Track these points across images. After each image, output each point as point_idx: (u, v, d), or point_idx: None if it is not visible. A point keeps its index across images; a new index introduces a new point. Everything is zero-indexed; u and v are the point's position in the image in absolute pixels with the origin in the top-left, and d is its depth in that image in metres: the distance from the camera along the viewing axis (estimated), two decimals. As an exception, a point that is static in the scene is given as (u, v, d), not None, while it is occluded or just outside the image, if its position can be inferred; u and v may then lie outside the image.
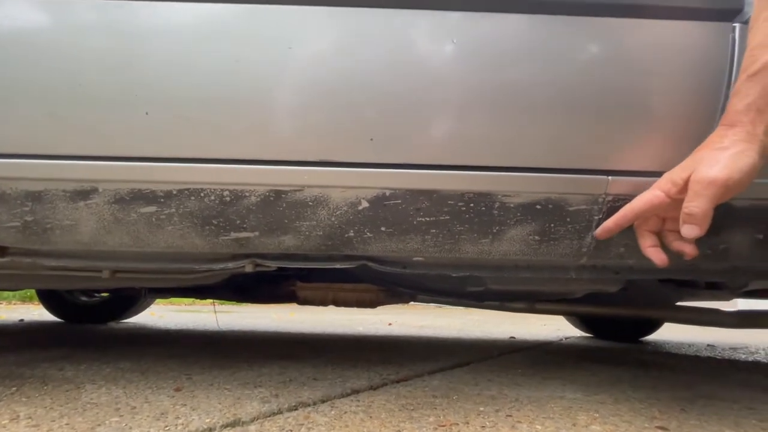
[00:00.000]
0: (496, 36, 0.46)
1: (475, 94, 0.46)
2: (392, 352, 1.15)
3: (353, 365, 0.93)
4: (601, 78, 0.47)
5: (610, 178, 0.48)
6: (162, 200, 0.48)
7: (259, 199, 0.48)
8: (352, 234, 0.50)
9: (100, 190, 0.48)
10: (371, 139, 0.47)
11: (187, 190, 0.48)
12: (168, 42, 0.45)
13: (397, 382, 0.78)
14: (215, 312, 1.84)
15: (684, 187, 0.42)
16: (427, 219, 0.49)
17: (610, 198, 0.49)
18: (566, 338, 1.68)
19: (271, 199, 0.48)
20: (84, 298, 1.72)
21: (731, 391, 0.78)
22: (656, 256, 0.47)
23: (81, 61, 0.46)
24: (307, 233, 0.51)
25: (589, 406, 0.63)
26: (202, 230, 0.50)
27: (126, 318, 1.84)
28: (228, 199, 0.48)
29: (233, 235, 0.51)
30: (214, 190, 0.48)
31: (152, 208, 0.49)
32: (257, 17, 0.46)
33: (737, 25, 0.47)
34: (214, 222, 0.50)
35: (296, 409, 0.58)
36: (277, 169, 0.47)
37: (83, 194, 0.48)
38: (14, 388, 0.65)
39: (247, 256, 0.54)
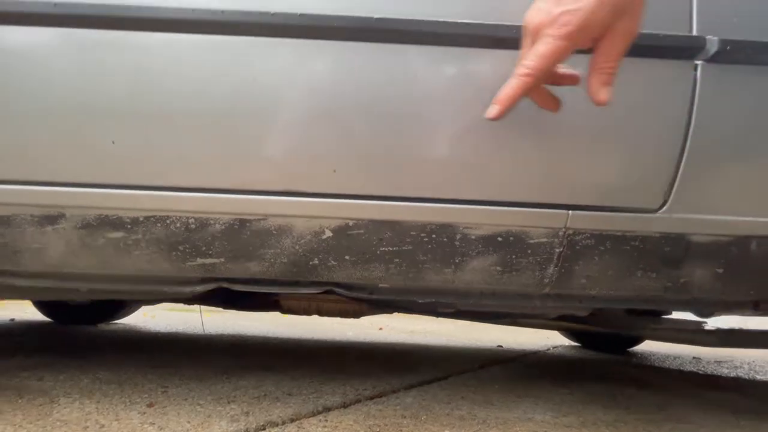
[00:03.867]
0: (455, 71, 0.46)
1: (435, 128, 0.47)
2: (374, 363, 1.16)
3: (332, 377, 0.94)
4: (562, 113, 0.47)
5: (570, 212, 0.49)
6: (129, 226, 0.49)
7: (223, 227, 0.49)
8: (316, 262, 0.51)
9: (68, 215, 0.49)
10: (334, 171, 0.47)
11: (154, 217, 0.49)
12: (133, 71, 0.46)
13: (371, 398, 0.79)
14: (201, 315, 1.85)
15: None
16: (390, 249, 0.50)
17: (571, 231, 0.49)
18: (553, 347, 1.69)
19: (236, 227, 0.49)
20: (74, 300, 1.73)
21: (702, 413, 0.79)
22: (556, 103, 0.42)
23: (48, 86, 0.46)
24: (272, 260, 0.51)
25: (554, 430, 0.64)
26: (169, 256, 0.51)
27: (117, 319, 1.85)
28: (193, 226, 0.49)
29: (199, 260, 0.51)
30: (180, 217, 0.49)
31: (119, 234, 0.50)
32: (223, 48, 0.46)
33: (699, 63, 0.47)
34: (181, 248, 0.50)
35: (263, 430, 0.58)
36: (241, 198, 0.48)
37: (51, 219, 0.49)
38: None
39: (215, 279, 0.55)
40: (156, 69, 0.46)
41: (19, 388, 0.77)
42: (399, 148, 0.47)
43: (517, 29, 0.41)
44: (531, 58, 0.37)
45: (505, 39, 0.46)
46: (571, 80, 0.40)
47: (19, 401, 0.69)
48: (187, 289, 0.56)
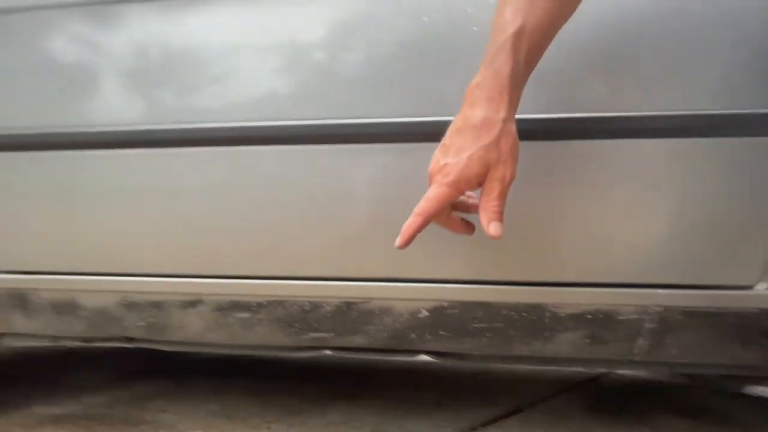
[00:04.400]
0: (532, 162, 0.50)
1: (524, 215, 0.51)
2: (448, 390, 1.20)
3: (410, 410, 0.99)
4: (650, 196, 0.49)
5: (660, 291, 0.50)
6: (254, 308, 0.58)
7: (333, 309, 0.56)
8: (413, 336, 0.57)
9: (205, 301, 0.59)
10: (429, 259, 0.53)
11: (275, 301, 0.57)
12: (259, 185, 0.55)
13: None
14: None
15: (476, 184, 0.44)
16: (482, 325, 0.54)
17: (661, 309, 0.51)
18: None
19: (344, 309, 0.56)
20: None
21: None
22: (468, 228, 0.47)
23: (186, 195, 0.56)
24: (374, 334, 0.58)
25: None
26: (286, 331, 0.59)
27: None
28: (308, 308, 0.57)
29: (311, 335, 0.59)
30: (297, 301, 0.57)
31: (246, 314, 0.59)
32: (323, 155, 0.53)
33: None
34: (296, 325, 0.59)
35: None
36: (348, 285, 0.55)
37: (192, 304, 0.59)
38: None
39: (322, 348, 0.62)
40: (273, 175, 0.54)
41: (153, 422, 0.90)
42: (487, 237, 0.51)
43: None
44: (422, 200, 0.44)
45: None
46: (476, 209, 0.47)
47: None
48: (297, 354, 0.64)
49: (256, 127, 0.55)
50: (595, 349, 0.55)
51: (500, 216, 0.44)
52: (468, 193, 0.47)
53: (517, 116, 0.44)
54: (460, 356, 0.61)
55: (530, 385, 1.33)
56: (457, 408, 1.04)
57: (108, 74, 0.62)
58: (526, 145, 0.45)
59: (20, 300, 0.64)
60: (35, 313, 0.64)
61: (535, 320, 0.53)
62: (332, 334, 0.58)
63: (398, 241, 0.45)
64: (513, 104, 0.44)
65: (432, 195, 0.44)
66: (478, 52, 0.44)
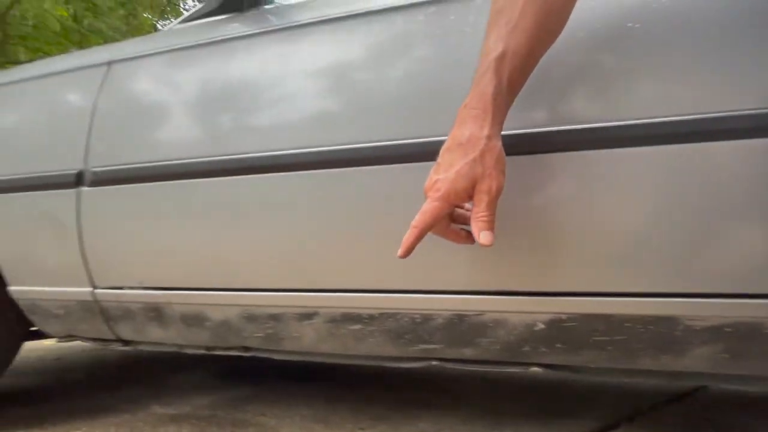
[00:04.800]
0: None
1: (654, 222, 0.48)
2: (538, 401, 1.16)
3: (499, 421, 0.97)
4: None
5: (817, 301, 0.45)
6: (366, 321, 0.60)
7: (444, 321, 0.57)
8: (527, 348, 0.56)
9: (320, 313, 0.62)
10: (546, 270, 0.52)
11: (386, 313, 0.59)
12: (363, 197, 0.57)
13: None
14: None
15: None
16: (603, 338, 0.52)
17: (818, 321, 0.46)
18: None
19: (455, 321, 0.57)
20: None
21: None
22: (468, 238, 0.49)
23: (301, 215, 0.60)
24: (485, 347, 0.58)
25: None
26: (396, 342, 0.61)
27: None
28: (419, 320, 0.58)
29: (421, 346, 0.60)
30: (408, 313, 0.58)
31: (358, 326, 0.61)
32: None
33: None
34: (406, 337, 0.60)
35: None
36: (461, 297, 0.55)
37: (308, 316, 0.63)
38: None
39: (430, 359, 0.63)
40: (392, 196, 0.56)
41: (257, 425, 0.96)
42: (612, 243, 0.50)
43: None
44: (418, 214, 0.48)
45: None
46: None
47: None
48: (405, 365, 0.66)
49: (365, 148, 0.57)
50: (735, 365, 0.50)
51: (490, 225, 0.46)
52: (467, 206, 0.49)
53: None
54: (575, 369, 0.59)
55: (625, 398, 1.24)
56: (548, 421, 1.00)
57: (222, 109, 0.69)
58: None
59: (156, 312, 0.71)
60: (168, 325, 0.72)
61: (664, 333, 0.50)
62: (442, 346, 0.59)
63: (399, 252, 0.48)
64: (497, 122, 0.47)
65: (425, 209, 0.47)
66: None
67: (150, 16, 6.69)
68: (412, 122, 0.56)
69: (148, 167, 0.70)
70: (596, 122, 0.49)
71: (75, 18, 4.75)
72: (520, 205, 0.51)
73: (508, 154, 0.47)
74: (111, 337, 0.78)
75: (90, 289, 0.74)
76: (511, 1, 0.48)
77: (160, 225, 0.68)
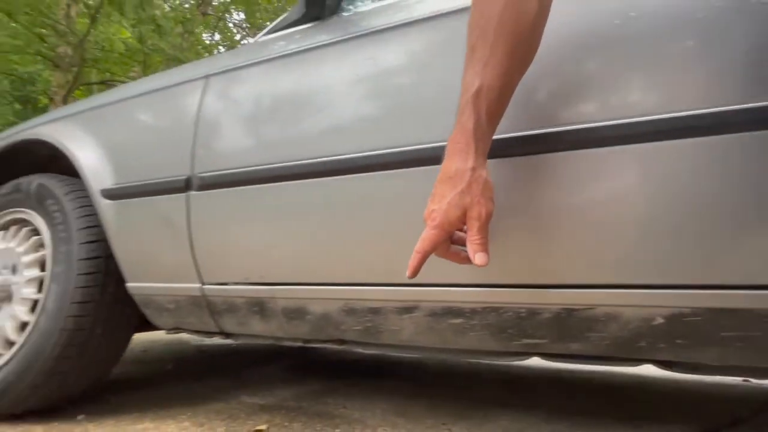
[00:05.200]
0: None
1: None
2: (622, 402, 1.11)
3: (581, 421, 0.93)
4: None
5: None
6: (468, 314, 0.61)
7: (551, 315, 0.56)
8: (643, 344, 0.54)
9: (421, 307, 0.64)
10: (662, 263, 0.50)
11: (490, 307, 0.59)
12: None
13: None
14: None
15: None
16: (733, 334, 0.49)
17: None
18: None
19: (563, 315, 0.56)
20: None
21: None
22: (467, 258, 0.52)
23: (404, 210, 0.62)
24: (595, 342, 0.56)
25: None
26: (498, 337, 0.61)
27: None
28: (524, 314, 0.58)
29: (524, 341, 0.60)
30: (512, 308, 0.58)
31: (459, 320, 0.62)
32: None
33: None
34: (509, 331, 0.60)
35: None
36: (572, 291, 0.54)
37: (408, 309, 0.65)
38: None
39: (532, 354, 0.63)
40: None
41: (341, 417, 0.99)
42: (741, 235, 0.47)
43: None
44: (419, 240, 0.53)
45: None
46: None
47: None
48: (503, 360, 0.66)
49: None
50: None
51: (483, 248, 0.51)
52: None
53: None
54: (694, 366, 0.56)
55: (714, 402, 1.16)
56: (637, 425, 0.96)
57: (314, 114, 0.72)
58: None
59: (259, 306, 0.76)
60: (269, 318, 0.76)
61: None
62: (546, 341, 0.58)
63: (407, 273, 0.54)
64: (480, 154, 0.51)
65: (424, 236, 0.52)
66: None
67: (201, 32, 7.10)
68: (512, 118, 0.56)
69: (249, 171, 0.75)
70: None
71: (140, 39, 5.16)
72: (637, 192, 0.50)
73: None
74: (215, 329, 0.84)
75: (199, 285, 0.81)
76: (483, 37, 0.51)
77: (263, 224, 0.73)
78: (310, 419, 0.95)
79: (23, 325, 0.94)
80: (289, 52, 0.79)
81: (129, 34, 6.28)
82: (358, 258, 0.66)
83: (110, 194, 0.88)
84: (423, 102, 0.64)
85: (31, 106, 8.65)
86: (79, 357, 0.88)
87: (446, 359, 1.86)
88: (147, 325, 1.06)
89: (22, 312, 0.92)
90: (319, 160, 0.69)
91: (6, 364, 0.88)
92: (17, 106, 7.17)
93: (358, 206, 0.66)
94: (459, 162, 0.51)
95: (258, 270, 0.74)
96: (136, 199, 0.86)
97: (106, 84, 5.86)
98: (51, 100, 5.51)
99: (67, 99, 5.26)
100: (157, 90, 0.92)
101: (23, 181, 1.02)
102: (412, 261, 0.53)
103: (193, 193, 0.79)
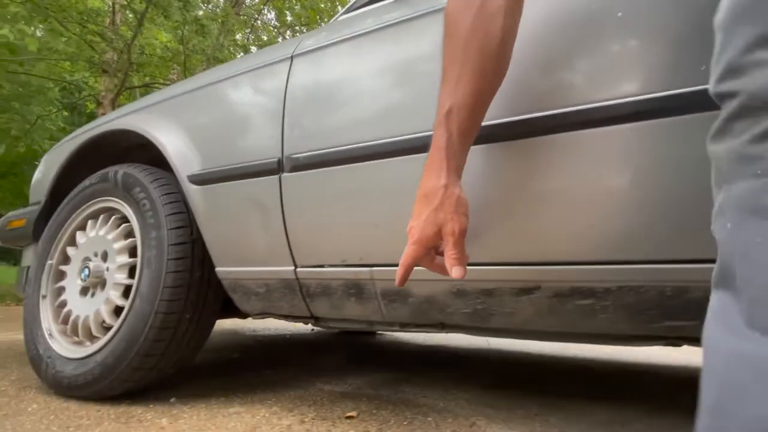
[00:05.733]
0: None
1: None
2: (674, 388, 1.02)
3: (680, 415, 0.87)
4: None
5: None
6: (600, 295, 0.56)
7: (703, 294, 0.51)
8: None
9: (543, 287, 0.59)
10: None
11: (627, 287, 0.54)
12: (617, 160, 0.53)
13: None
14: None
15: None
16: None
17: None
18: None
19: (720, 293, 0.50)
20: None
21: None
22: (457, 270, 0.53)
23: (530, 182, 0.57)
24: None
25: None
26: (634, 319, 0.56)
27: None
28: (669, 293, 0.53)
29: (666, 323, 0.55)
30: (656, 286, 0.53)
31: (588, 301, 0.57)
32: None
33: None
34: (649, 312, 0.55)
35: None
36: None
37: (527, 290, 0.61)
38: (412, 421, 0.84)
39: (675, 338, 0.57)
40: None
41: (424, 405, 0.95)
42: None
43: None
44: (402, 255, 0.56)
45: None
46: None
47: (447, 422, 0.86)
48: (633, 344, 0.61)
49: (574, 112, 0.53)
50: None
51: (459, 262, 0.53)
52: None
53: None
54: None
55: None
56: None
57: (401, 90, 0.69)
58: None
59: (356, 289, 0.74)
60: (366, 301, 0.74)
61: None
62: (696, 323, 0.53)
63: (396, 282, 0.57)
64: (452, 171, 0.53)
65: (406, 251, 0.56)
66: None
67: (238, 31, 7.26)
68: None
69: (341, 151, 0.73)
70: None
71: (181, 40, 5.32)
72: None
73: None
74: (305, 314, 0.83)
75: (292, 267, 0.80)
76: (452, 58, 0.53)
77: (363, 204, 0.70)
78: (396, 407, 0.93)
79: (116, 310, 0.97)
80: (379, 26, 0.76)
81: (164, 38, 6.51)
82: (469, 236, 0.62)
83: (198, 180, 0.89)
84: (523, 70, 0.60)
85: (77, 113, 9.14)
86: (171, 340, 0.89)
87: (506, 351, 1.81)
88: (228, 312, 1.07)
89: (116, 296, 0.94)
90: (419, 134, 0.65)
91: (105, 346, 0.90)
92: (65, 113, 7.58)
93: (469, 181, 0.62)
94: (433, 179, 0.53)
95: (357, 251, 0.72)
96: (224, 184, 0.85)
97: (149, 87, 6.09)
98: (99, 104, 5.78)
99: (115, 102, 5.50)
100: (238, 74, 0.92)
101: (109, 171, 1.05)
102: (398, 272, 0.57)
103: (285, 175, 0.78)
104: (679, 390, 1.16)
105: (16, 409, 0.85)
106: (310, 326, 2.54)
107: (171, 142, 0.93)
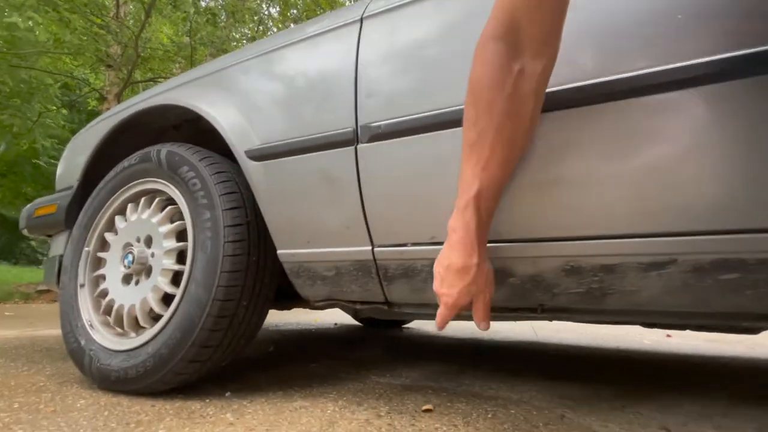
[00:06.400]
0: None
1: None
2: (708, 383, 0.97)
3: (733, 404, 0.80)
4: None
5: None
6: (752, 266, 0.50)
7: None
8: None
9: (679, 261, 0.53)
10: None
11: (788, 257, 0.48)
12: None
13: None
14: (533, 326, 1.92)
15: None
16: None
17: None
18: None
19: None
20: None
21: None
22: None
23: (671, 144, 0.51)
24: None
25: None
26: (790, 294, 0.50)
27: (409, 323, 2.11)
28: (841, 264, 0.46)
29: (830, 298, 0.49)
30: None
31: (734, 275, 0.51)
32: None
33: None
34: (810, 286, 0.49)
35: None
36: None
37: (658, 265, 0.54)
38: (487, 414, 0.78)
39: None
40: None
41: (489, 398, 0.87)
42: None
43: None
44: (437, 313, 0.62)
45: None
46: None
47: (533, 414, 0.78)
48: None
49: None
50: None
51: (485, 319, 0.62)
52: None
53: None
54: None
55: None
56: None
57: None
58: None
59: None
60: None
61: None
62: None
63: (437, 328, 0.64)
64: (483, 248, 0.59)
65: (440, 312, 0.62)
66: None
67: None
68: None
69: (430, 116, 0.66)
70: None
71: (189, 31, 5.21)
72: None
73: None
74: (379, 299, 0.77)
75: (369, 247, 0.73)
76: (481, 139, 0.54)
77: (454, 174, 0.64)
78: (470, 400, 0.86)
79: (164, 298, 0.90)
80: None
81: (167, 34, 6.38)
82: (589, 207, 0.56)
83: (257, 155, 0.82)
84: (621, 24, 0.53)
85: (76, 110, 8.99)
86: (228, 329, 0.82)
87: (552, 344, 1.74)
88: (282, 300, 1.00)
89: (164, 283, 0.88)
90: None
91: (156, 336, 0.83)
92: (64, 111, 7.44)
93: (576, 144, 0.55)
94: (465, 258, 0.57)
95: (432, 229, 0.65)
96: (288, 158, 0.78)
97: (154, 82, 5.99)
98: (104, 99, 5.68)
99: (120, 97, 5.41)
100: (299, 41, 0.84)
101: (151, 150, 0.98)
102: (437, 323, 0.63)
103: (362, 145, 0.71)
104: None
105: (63, 405, 0.78)
106: (333, 322, 2.47)
107: (225, 115, 0.86)
